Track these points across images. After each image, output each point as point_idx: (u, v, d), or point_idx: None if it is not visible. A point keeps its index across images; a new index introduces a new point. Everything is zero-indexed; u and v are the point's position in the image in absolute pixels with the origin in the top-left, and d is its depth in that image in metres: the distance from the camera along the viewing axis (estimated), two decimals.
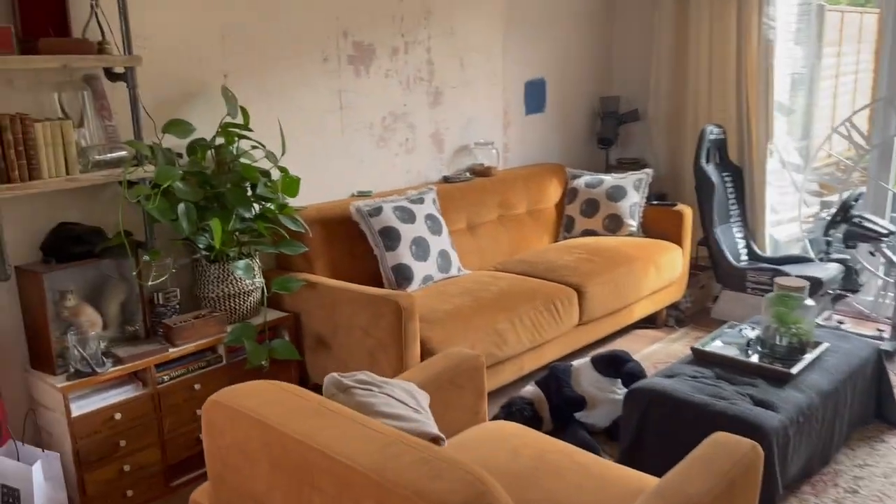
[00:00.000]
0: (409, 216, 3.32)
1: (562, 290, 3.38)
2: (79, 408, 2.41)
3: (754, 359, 2.70)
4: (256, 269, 2.91)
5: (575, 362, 3.12)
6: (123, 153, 2.55)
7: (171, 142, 2.76)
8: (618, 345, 3.87)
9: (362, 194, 3.56)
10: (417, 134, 3.85)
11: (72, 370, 2.43)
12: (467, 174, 4.04)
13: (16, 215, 2.47)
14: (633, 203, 4.14)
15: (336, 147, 3.47)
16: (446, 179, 3.95)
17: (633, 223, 4.11)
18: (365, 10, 3.47)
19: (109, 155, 2.52)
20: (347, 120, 3.50)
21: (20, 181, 2.27)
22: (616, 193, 4.15)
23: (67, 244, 2.49)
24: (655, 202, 4.24)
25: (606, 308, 3.56)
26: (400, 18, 3.65)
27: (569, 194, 4.32)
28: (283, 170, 2.93)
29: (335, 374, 1.65)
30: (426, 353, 2.77)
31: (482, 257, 3.81)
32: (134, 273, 2.56)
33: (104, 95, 2.61)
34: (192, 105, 2.90)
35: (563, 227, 4.29)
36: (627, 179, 4.21)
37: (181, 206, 2.54)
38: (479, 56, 4.11)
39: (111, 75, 2.57)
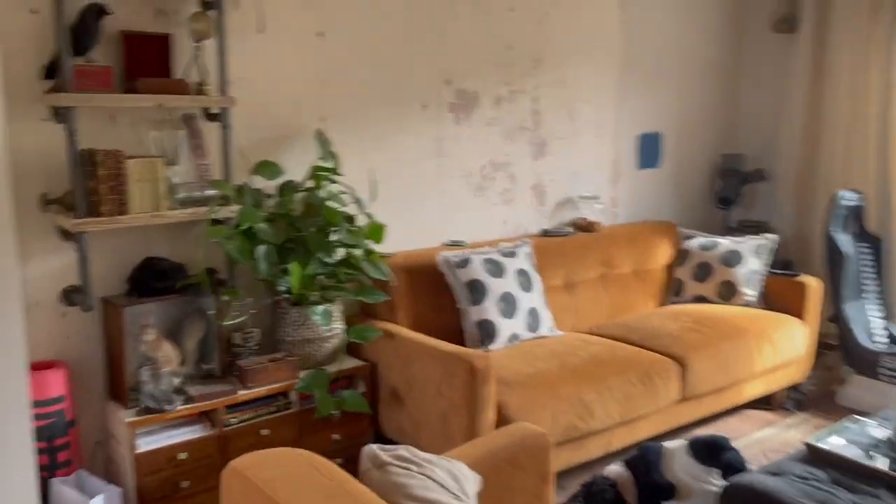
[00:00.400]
0: (498, 270, 3.16)
1: (661, 360, 3.10)
2: (145, 444, 2.41)
3: (880, 464, 2.32)
4: (336, 314, 2.85)
5: (669, 444, 2.82)
6: (213, 192, 2.57)
7: (264, 182, 2.77)
8: (725, 426, 3.50)
9: (455, 244, 3.45)
10: (518, 184, 3.72)
11: (142, 405, 2.44)
12: (569, 228, 3.84)
13: (106, 247, 2.54)
14: (751, 270, 3.78)
15: (431, 194, 3.39)
16: (546, 233, 3.77)
17: (750, 292, 3.75)
18: (470, 58, 3.40)
19: (198, 193, 2.55)
20: (445, 168, 3.42)
21: (109, 216, 2.32)
22: (733, 258, 3.81)
23: (151, 279, 2.52)
24: (778, 271, 3.85)
25: (712, 385, 3.23)
26: (507, 67, 3.56)
27: (680, 256, 4.02)
28: (369, 215, 2.87)
29: (374, 447, 1.52)
30: (502, 419, 2.58)
31: (578, 318, 3.58)
32: (212, 312, 2.56)
33: (200, 135, 2.66)
34: (286, 147, 2.91)
35: (671, 291, 3.98)
36: (747, 244, 3.86)
37: (261, 248, 2.52)
38: (590, 106, 3.94)
39: (208, 115, 2.61)
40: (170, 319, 2.64)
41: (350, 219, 2.79)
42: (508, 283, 3.16)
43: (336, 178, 2.84)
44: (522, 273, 3.24)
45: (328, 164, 2.82)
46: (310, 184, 2.82)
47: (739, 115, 4.69)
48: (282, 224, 2.70)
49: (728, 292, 3.77)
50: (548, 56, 3.70)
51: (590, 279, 3.70)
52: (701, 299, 3.83)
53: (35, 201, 2.39)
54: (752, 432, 3.45)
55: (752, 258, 3.80)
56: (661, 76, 4.25)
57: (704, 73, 4.47)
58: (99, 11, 2.31)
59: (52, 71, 2.32)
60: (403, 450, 1.52)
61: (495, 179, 3.62)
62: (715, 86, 4.55)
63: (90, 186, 2.30)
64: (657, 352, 3.18)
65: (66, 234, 2.38)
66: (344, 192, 2.85)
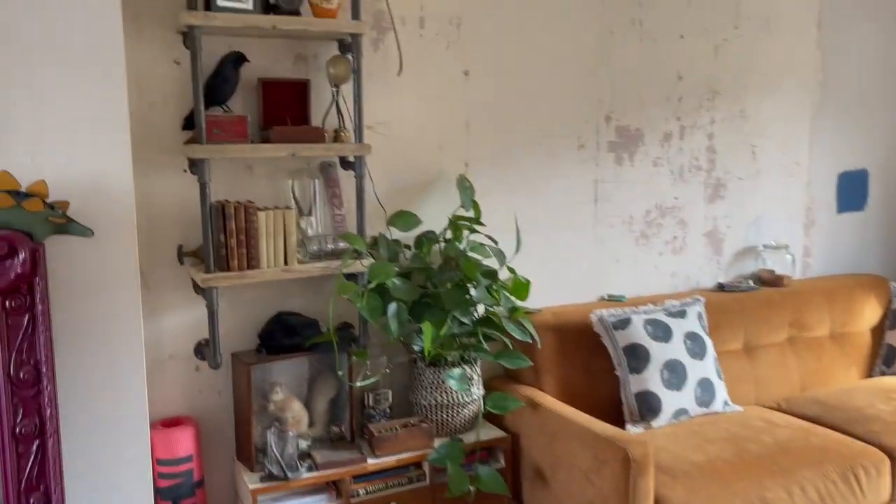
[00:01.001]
0: (664, 333, 2.75)
1: (868, 452, 2.53)
2: None
3: None
4: (475, 378, 2.59)
5: None
6: (346, 244, 2.42)
7: (403, 233, 2.59)
8: None
9: (613, 299, 3.07)
10: (689, 231, 3.28)
11: (267, 470, 2.30)
12: (750, 282, 3.33)
13: (239, 300, 2.46)
14: None
15: (586, 243, 3.05)
16: (722, 287, 3.29)
17: None
18: (633, 91, 3.05)
19: (331, 246, 2.41)
20: (602, 213, 3.07)
21: (238, 270, 2.23)
22: None
23: (281, 335, 2.40)
24: None
25: None
26: (677, 100, 3.16)
27: (891, 316, 3.36)
28: (511, 270, 2.60)
29: None
30: None
31: (760, 389, 3.05)
32: (341, 372, 2.39)
33: (337, 183, 2.53)
34: (427, 194, 2.71)
35: (881, 359, 3.32)
36: None
37: (392, 306, 2.32)
38: (777, 142, 3.42)
39: (345, 163, 2.47)
40: (300, 378, 2.51)
41: (491, 274, 2.53)
42: (675, 348, 2.74)
43: (477, 227, 2.59)
44: (693, 337, 2.80)
45: (469, 213, 2.58)
46: (449, 234, 2.60)
47: None
48: (417, 279, 2.49)
49: None
50: (726, 86, 3.26)
51: (775, 343, 3.16)
52: None
53: (173, 253, 2.35)
54: None
55: None
56: (865, 104, 3.63)
57: None
58: (237, 60, 2.25)
59: (190, 122, 2.28)
60: None
61: (662, 226, 3.21)
62: None
63: (220, 240, 2.22)
64: (863, 440, 2.61)
65: (199, 288, 2.31)
66: (485, 244, 2.60)
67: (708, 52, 3.20)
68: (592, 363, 2.77)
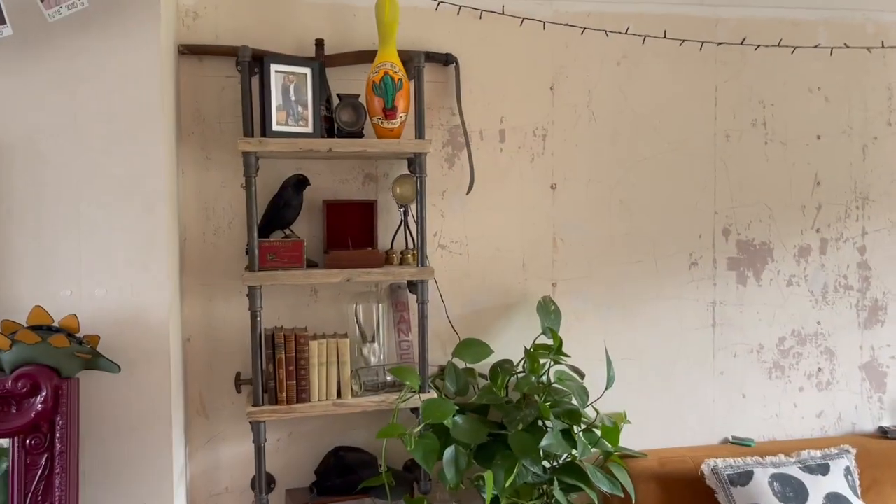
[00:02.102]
0: (796, 493, 2.25)
1: None
2: None
3: None
4: None
5: None
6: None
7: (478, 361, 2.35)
8: None
9: (739, 442, 2.59)
10: (838, 363, 2.74)
11: None
12: None
13: (297, 432, 2.32)
14: None
15: (703, 375, 2.62)
16: (884, 432, 2.69)
17: None
18: (757, 199, 2.65)
19: (389, 377, 2.22)
20: (723, 341, 2.64)
21: (286, 403, 2.10)
22: None
23: (335, 473, 2.21)
24: None
25: None
26: (815, 209, 2.71)
27: None
28: (596, 410, 2.25)
29: None
30: None
31: None
32: None
33: (406, 308, 2.37)
34: (508, 318, 2.47)
35: None
36: None
37: (449, 451, 2.06)
38: None
39: (412, 286, 2.31)
40: None
41: (573, 414, 2.20)
42: None
43: (561, 359, 2.29)
44: (836, 499, 2.26)
45: (550, 342, 2.30)
46: (525, 366, 2.32)
47: None
48: (494, 415, 2.23)
49: None
50: (879, 192, 2.76)
51: None
52: None
53: (232, 381, 2.28)
54: None
55: None
56: None
57: None
58: (297, 184, 2.19)
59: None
60: None
61: (802, 356, 2.71)
62: None
63: (269, 370, 2.11)
64: None
65: None
66: (563, 379, 2.29)
67: (854, 154, 2.74)
68: None
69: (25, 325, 1.71)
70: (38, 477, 1.69)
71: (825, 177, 2.72)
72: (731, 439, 2.63)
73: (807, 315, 2.72)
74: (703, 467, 2.34)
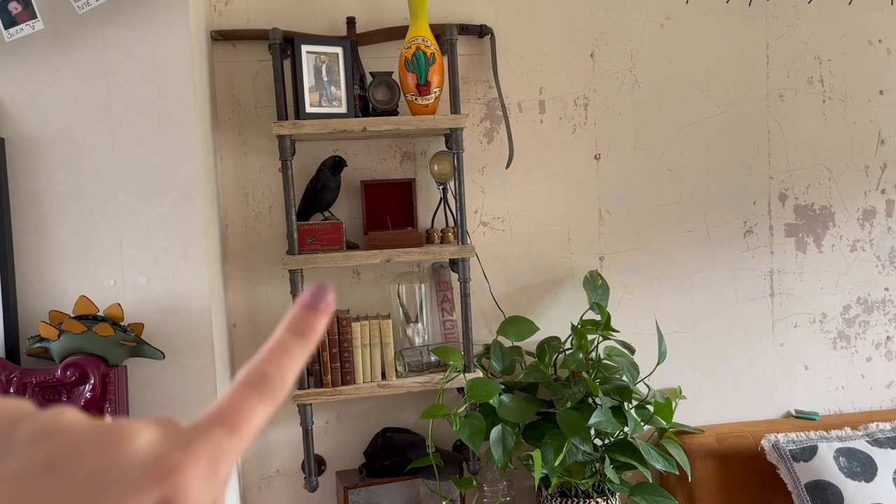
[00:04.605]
0: (865, 468, 2.14)
1: None
2: None
3: None
4: None
5: None
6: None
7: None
8: None
9: (802, 416, 2.49)
10: None
11: None
12: None
13: (346, 415, 2.32)
14: None
15: (760, 347, 2.52)
16: None
17: None
18: (816, 161, 2.52)
19: (434, 357, 2.19)
20: (782, 311, 2.53)
21: (332, 385, 2.09)
22: None
23: (383, 455, 2.21)
24: None
25: None
26: (879, 168, 2.56)
27: None
28: (648, 386, 2.18)
29: None
30: None
31: None
32: (444, 502, 2.12)
33: (449, 287, 2.33)
34: (555, 294, 2.41)
35: None
36: None
37: (496, 430, 2.03)
38: None
39: (456, 265, 2.27)
40: (409, 502, 2.28)
41: (623, 390, 2.14)
42: (882, 491, 2.11)
43: (610, 334, 2.23)
44: None
45: (598, 317, 2.23)
46: (572, 343, 2.26)
47: None
48: (543, 393, 2.18)
49: None
50: None
51: None
52: None
53: None
54: None
55: None
56: None
57: None
58: (334, 165, 2.17)
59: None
60: None
61: (869, 325, 2.58)
62: None
63: (313, 353, 2.10)
64: None
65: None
66: (620, 355, 2.22)
67: None
68: (771, 502, 2.22)
69: (71, 316, 1.74)
70: None
71: (890, 134, 2.56)
72: (793, 413, 2.52)
73: (873, 281, 2.58)
74: (764, 442, 2.25)
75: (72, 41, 1.74)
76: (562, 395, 2.11)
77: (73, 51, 1.74)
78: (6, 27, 1.66)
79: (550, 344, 2.29)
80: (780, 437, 2.25)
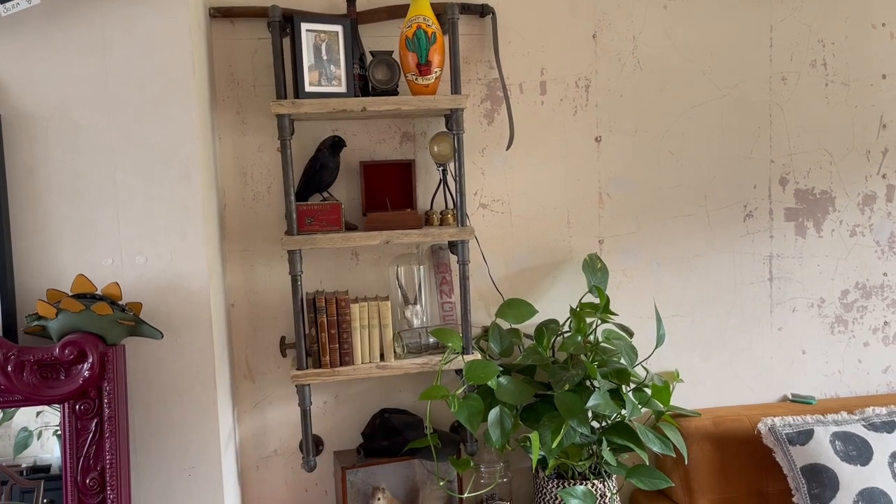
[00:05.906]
0: (860, 452, 2.15)
1: None
2: None
3: None
4: (609, 496, 2.19)
5: None
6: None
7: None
8: None
9: (799, 400, 2.50)
10: None
11: None
12: None
13: (344, 395, 2.32)
14: None
15: (758, 331, 2.52)
16: None
17: None
18: (816, 146, 2.51)
19: (432, 339, 2.19)
20: (781, 295, 2.53)
21: (330, 366, 2.09)
22: None
23: (380, 435, 2.21)
24: None
25: None
26: (880, 153, 2.55)
27: None
28: (646, 369, 2.19)
29: None
30: None
31: None
32: (441, 482, 2.13)
33: (448, 269, 2.33)
34: (554, 277, 2.41)
35: None
36: None
37: (494, 412, 2.03)
38: None
39: (455, 247, 2.26)
40: (408, 481, 2.30)
41: (621, 373, 2.14)
42: (876, 475, 2.12)
43: (609, 317, 2.23)
44: None
45: (597, 300, 2.23)
46: (570, 326, 2.26)
47: None
48: (541, 375, 2.19)
49: None
50: None
51: None
52: None
53: (277, 346, 2.29)
54: None
55: None
56: None
57: None
58: (333, 145, 2.16)
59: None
60: None
61: (867, 310, 2.58)
62: None
63: (312, 334, 2.10)
64: None
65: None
66: (618, 338, 2.22)
67: None
68: (767, 485, 2.25)
69: (69, 294, 1.74)
70: (89, 441, 1.72)
71: (892, 118, 2.55)
72: (790, 397, 2.53)
73: (872, 266, 2.58)
74: (760, 426, 2.26)
75: (69, 16, 1.71)
76: (560, 378, 2.11)
77: (71, 27, 1.72)
78: (2, 2, 1.64)
79: (549, 327, 2.29)
80: (777, 420, 2.26)
